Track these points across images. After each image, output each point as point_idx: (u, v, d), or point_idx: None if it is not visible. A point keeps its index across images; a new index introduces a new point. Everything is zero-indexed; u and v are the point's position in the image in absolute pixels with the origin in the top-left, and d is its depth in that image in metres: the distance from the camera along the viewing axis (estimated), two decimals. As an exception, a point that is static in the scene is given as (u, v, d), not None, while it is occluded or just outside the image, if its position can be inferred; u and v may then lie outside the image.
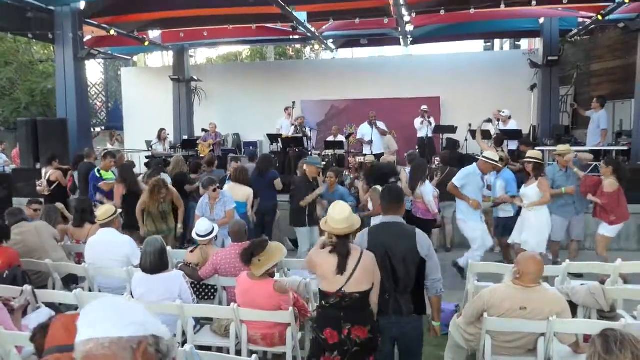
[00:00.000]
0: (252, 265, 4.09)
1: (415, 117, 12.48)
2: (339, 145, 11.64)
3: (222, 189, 6.89)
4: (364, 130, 11.61)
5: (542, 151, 7.88)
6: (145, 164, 11.63)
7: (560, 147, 7.15)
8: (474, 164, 6.62)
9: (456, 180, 6.50)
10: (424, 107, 12.36)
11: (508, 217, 7.10)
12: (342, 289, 3.22)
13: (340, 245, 3.27)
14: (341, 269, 3.21)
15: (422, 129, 12.15)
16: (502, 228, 7.21)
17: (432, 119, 12.24)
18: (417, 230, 3.55)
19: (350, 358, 3.24)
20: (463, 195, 6.48)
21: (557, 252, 6.98)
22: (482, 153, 7.60)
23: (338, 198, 6.86)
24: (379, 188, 5.09)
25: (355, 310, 3.26)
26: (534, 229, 6.34)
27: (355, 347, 3.22)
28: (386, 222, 3.61)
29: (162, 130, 13.09)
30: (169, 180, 8.02)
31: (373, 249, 3.39)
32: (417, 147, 12.08)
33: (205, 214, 6.58)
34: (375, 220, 5.37)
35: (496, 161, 6.55)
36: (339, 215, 3.35)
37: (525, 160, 6.62)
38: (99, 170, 7.90)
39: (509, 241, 6.66)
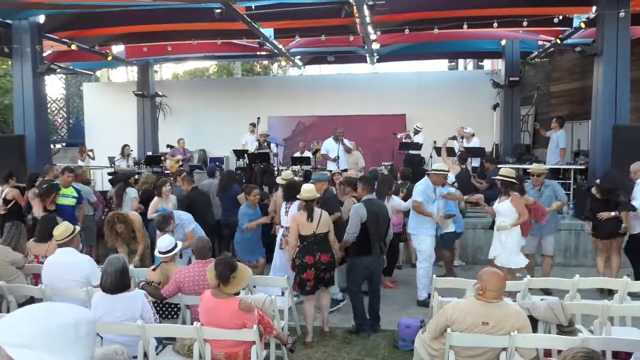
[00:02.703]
0: (229, 284, 4.05)
1: (384, 134, 12.63)
2: (306, 161, 11.65)
3: None
4: (329, 146, 11.61)
5: (517, 169, 8.00)
6: (110, 181, 11.39)
7: (535, 167, 7.32)
8: (425, 178, 6.80)
9: (418, 197, 6.67)
10: (419, 124, 12.58)
11: (450, 232, 7.26)
12: (314, 232, 5.45)
13: (309, 205, 5.54)
14: (310, 218, 5.48)
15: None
16: (447, 243, 7.38)
17: (418, 138, 12.35)
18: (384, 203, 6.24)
19: (320, 272, 5.45)
20: (426, 211, 6.66)
21: (532, 266, 7.06)
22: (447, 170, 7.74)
23: (258, 216, 7.25)
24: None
25: (322, 244, 5.50)
26: (505, 245, 6.38)
27: (322, 265, 5.45)
28: (368, 198, 5.85)
29: (125, 146, 12.88)
30: (133, 194, 7.90)
31: (370, 213, 5.61)
32: (390, 164, 12.20)
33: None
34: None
35: (446, 171, 6.88)
36: (307, 188, 5.69)
37: (497, 178, 6.72)
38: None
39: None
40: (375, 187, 7.62)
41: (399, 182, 8.49)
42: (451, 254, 7.77)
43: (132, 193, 7.98)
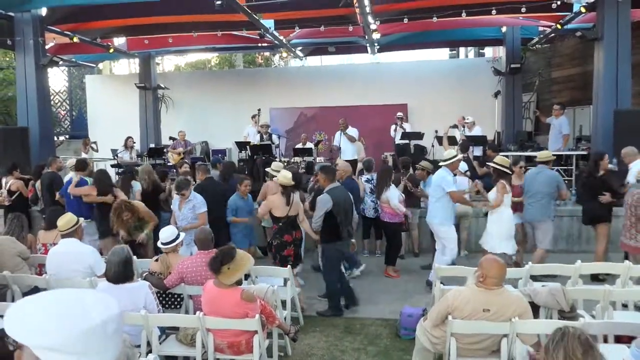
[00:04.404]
0: (221, 274, 4.06)
1: (386, 123, 12.65)
2: (308, 152, 11.66)
3: None
4: (337, 138, 11.70)
5: (508, 156, 8.05)
6: (117, 173, 11.46)
7: (543, 154, 7.29)
8: (443, 169, 6.76)
9: (452, 187, 6.60)
10: (399, 114, 12.60)
11: None
12: (288, 214, 6.12)
13: (287, 190, 6.17)
14: (287, 202, 6.12)
15: (397, 135, 12.32)
16: None
17: (405, 126, 12.39)
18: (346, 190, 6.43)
19: (296, 247, 6.21)
20: (463, 198, 6.80)
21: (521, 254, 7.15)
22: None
23: (250, 206, 7.29)
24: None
25: (294, 224, 6.22)
26: (491, 230, 6.49)
27: (298, 241, 6.25)
28: (334, 186, 6.17)
29: (128, 138, 12.90)
30: (138, 187, 7.89)
31: (336, 200, 5.97)
32: (392, 154, 12.21)
33: (174, 207, 6.85)
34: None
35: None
36: (286, 174, 6.28)
37: (490, 164, 6.77)
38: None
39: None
40: (376, 177, 7.73)
41: (402, 170, 8.48)
42: None
43: (136, 186, 7.98)
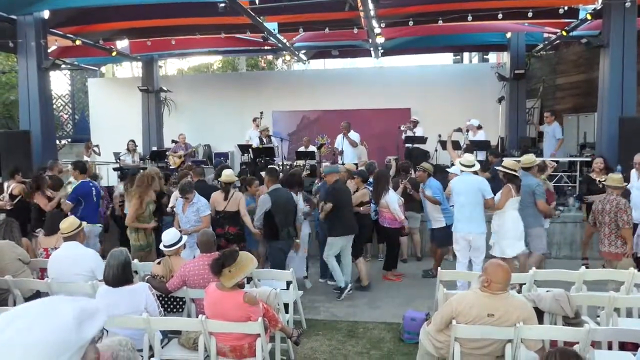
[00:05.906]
0: (222, 276, 4.03)
1: (389, 127, 12.63)
2: (311, 155, 11.65)
3: None
4: (338, 141, 11.69)
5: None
6: (119, 177, 11.46)
7: (525, 158, 7.13)
8: (478, 175, 6.63)
9: (492, 194, 6.41)
10: (414, 118, 12.60)
11: (440, 227, 7.29)
12: (225, 209, 6.69)
13: (227, 187, 6.77)
14: (226, 198, 6.72)
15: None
16: (438, 240, 7.36)
17: (417, 130, 12.32)
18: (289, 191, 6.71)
19: (229, 242, 6.50)
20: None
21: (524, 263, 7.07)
22: (452, 163, 7.76)
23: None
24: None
25: (231, 219, 6.72)
26: (497, 234, 6.46)
27: (230, 236, 6.69)
28: (274, 188, 6.53)
29: (130, 141, 12.90)
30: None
31: (275, 201, 6.33)
32: (396, 158, 12.19)
33: (178, 210, 6.88)
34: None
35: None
36: (227, 173, 6.87)
37: (498, 169, 6.70)
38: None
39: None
40: (372, 184, 7.68)
41: (402, 174, 8.46)
42: (443, 251, 7.59)
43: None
